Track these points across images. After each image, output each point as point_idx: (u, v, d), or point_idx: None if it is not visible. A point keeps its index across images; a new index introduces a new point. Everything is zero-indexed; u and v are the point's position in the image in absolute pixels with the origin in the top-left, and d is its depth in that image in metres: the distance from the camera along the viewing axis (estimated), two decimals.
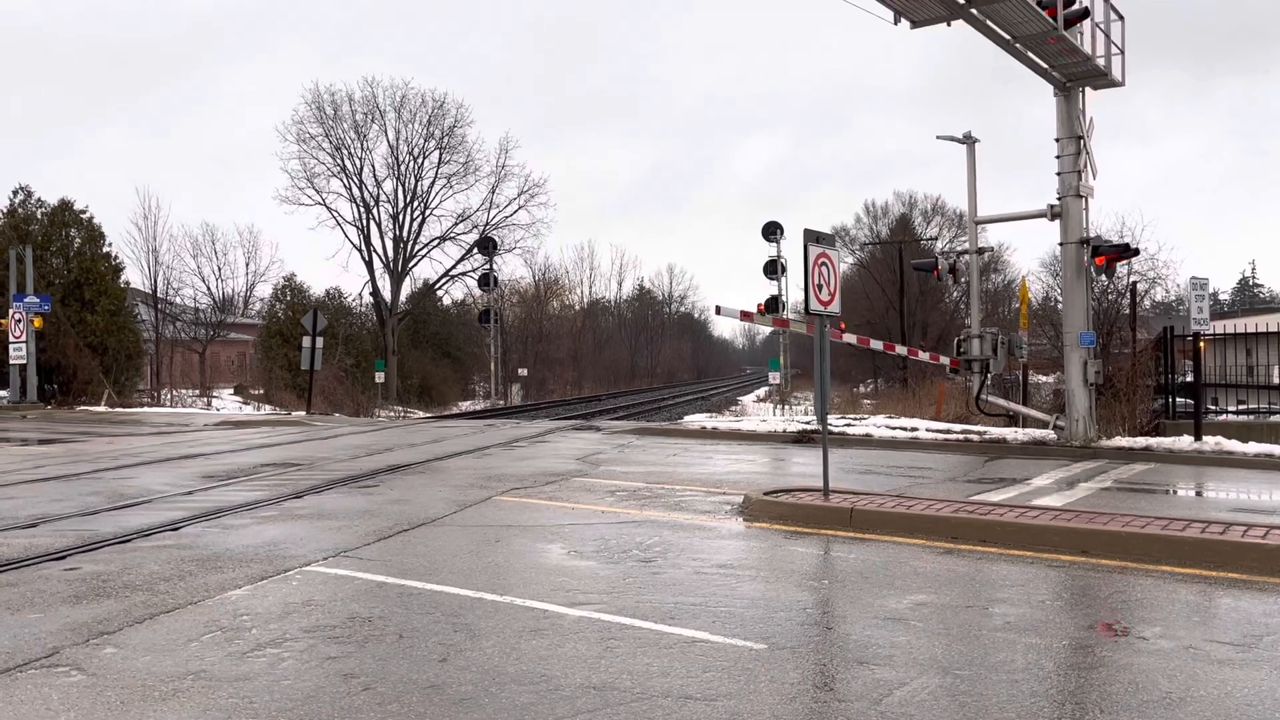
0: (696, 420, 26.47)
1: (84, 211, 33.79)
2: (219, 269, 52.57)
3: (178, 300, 47.91)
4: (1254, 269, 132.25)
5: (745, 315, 19.42)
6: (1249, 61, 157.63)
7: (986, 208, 19.33)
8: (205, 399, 37.47)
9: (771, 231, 39.91)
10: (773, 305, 40.65)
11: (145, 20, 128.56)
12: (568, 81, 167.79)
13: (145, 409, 30.05)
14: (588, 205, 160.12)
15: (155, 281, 44.59)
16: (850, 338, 19.70)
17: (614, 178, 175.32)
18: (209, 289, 51.99)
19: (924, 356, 20.26)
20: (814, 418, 23.35)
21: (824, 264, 10.19)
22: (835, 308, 10.36)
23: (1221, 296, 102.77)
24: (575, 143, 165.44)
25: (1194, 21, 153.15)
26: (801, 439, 18.34)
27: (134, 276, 41.25)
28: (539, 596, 6.38)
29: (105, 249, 34.23)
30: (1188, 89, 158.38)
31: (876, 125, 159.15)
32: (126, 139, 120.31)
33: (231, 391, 43.31)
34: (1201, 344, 19.22)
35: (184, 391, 38.41)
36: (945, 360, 18.73)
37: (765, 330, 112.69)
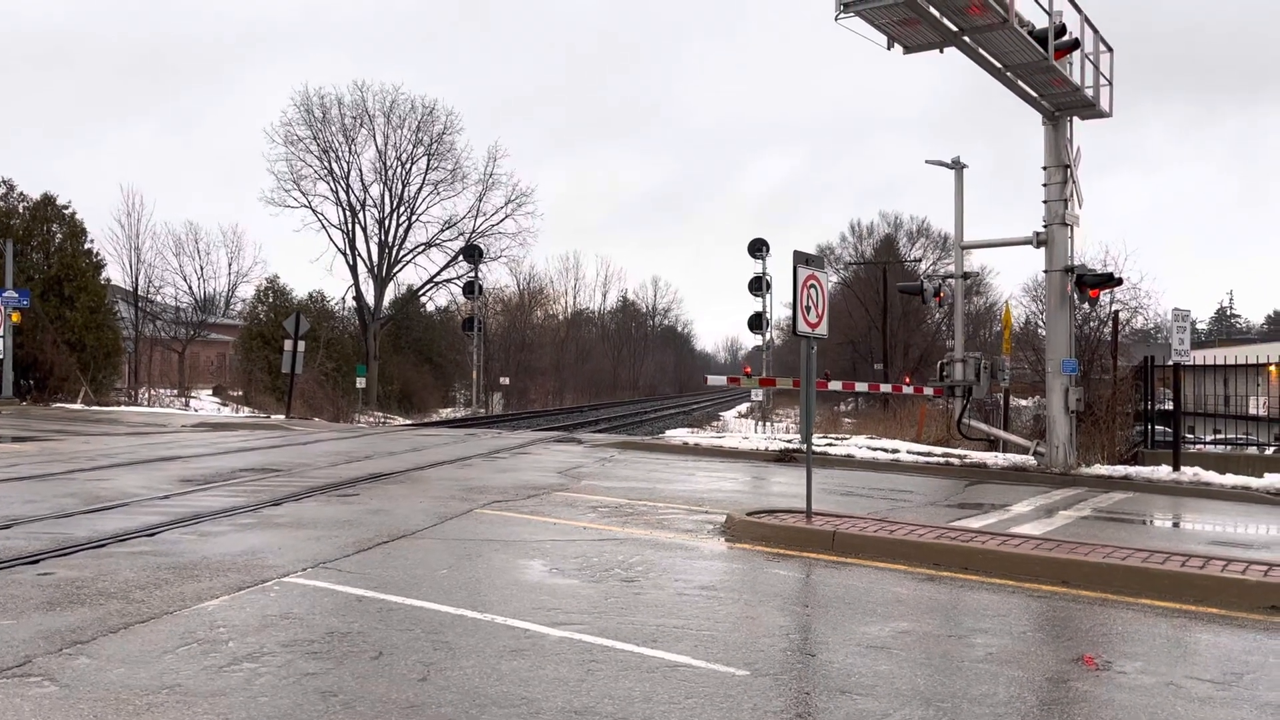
0: (679, 435, 26.47)
1: (66, 207, 33.54)
2: (201, 268, 52.11)
3: (159, 299, 47.52)
4: (1232, 299, 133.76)
5: (733, 380, 20.82)
6: (1249, 99, 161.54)
7: (984, 231, 19.54)
8: (183, 399, 37.17)
9: (757, 248, 39.82)
10: (756, 322, 40.63)
11: (180, 23, 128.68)
12: (584, 97, 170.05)
13: (122, 408, 29.77)
14: (588, 218, 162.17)
15: (136, 279, 44.21)
16: (836, 385, 19.91)
17: (619, 193, 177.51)
18: (190, 288, 51.58)
19: (908, 390, 20.37)
20: (796, 436, 23.35)
21: (813, 286, 10.21)
22: (823, 329, 10.38)
23: (1200, 325, 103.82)
24: (587, 157, 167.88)
25: (1198, 59, 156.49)
26: (783, 458, 18.34)
27: (115, 273, 40.90)
28: (520, 615, 6.33)
29: (87, 245, 33.95)
30: (1190, 123, 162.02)
31: (889, 149, 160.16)
32: (150, 140, 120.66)
33: (210, 392, 42.99)
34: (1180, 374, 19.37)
35: (162, 391, 38.10)
36: (929, 390, 18.83)
37: (748, 345, 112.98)
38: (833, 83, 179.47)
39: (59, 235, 33.27)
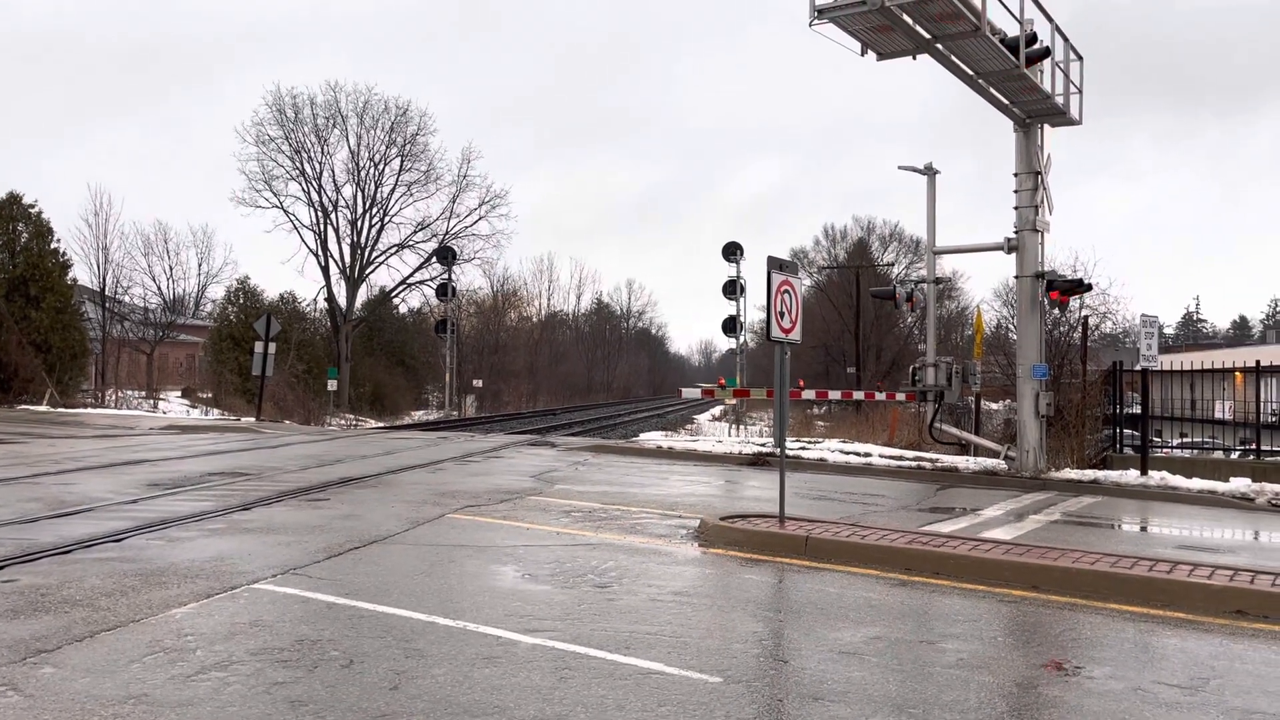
0: (652, 439, 26.46)
1: (32, 206, 33.06)
2: (170, 268, 51.74)
3: (127, 299, 46.97)
4: (1198, 304, 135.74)
5: (707, 392, 20.93)
6: (1225, 110, 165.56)
7: (968, 237, 19.76)
8: (152, 401, 36.77)
9: (731, 252, 40.02)
10: (730, 325, 40.77)
11: (178, 23, 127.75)
12: (579, 100, 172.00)
13: (89, 410, 29.40)
14: (575, 221, 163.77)
15: (104, 279, 43.65)
16: (809, 394, 20.03)
17: (608, 196, 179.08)
18: (159, 289, 51.13)
19: (881, 397, 20.52)
20: (769, 439, 23.44)
21: (786, 292, 10.24)
22: (796, 335, 10.41)
23: (1167, 330, 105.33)
24: (579, 160, 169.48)
25: (1179, 72, 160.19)
26: (757, 461, 18.39)
27: (82, 274, 40.37)
28: (492, 622, 6.31)
29: (53, 245, 33.50)
30: (1168, 133, 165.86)
31: (880, 154, 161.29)
32: (140, 141, 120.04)
33: (179, 394, 42.53)
34: (1148, 379, 19.59)
35: (130, 393, 37.66)
36: (901, 395, 18.96)
37: (722, 349, 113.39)
38: (827, 87, 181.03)
39: (24, 234, 32.79)
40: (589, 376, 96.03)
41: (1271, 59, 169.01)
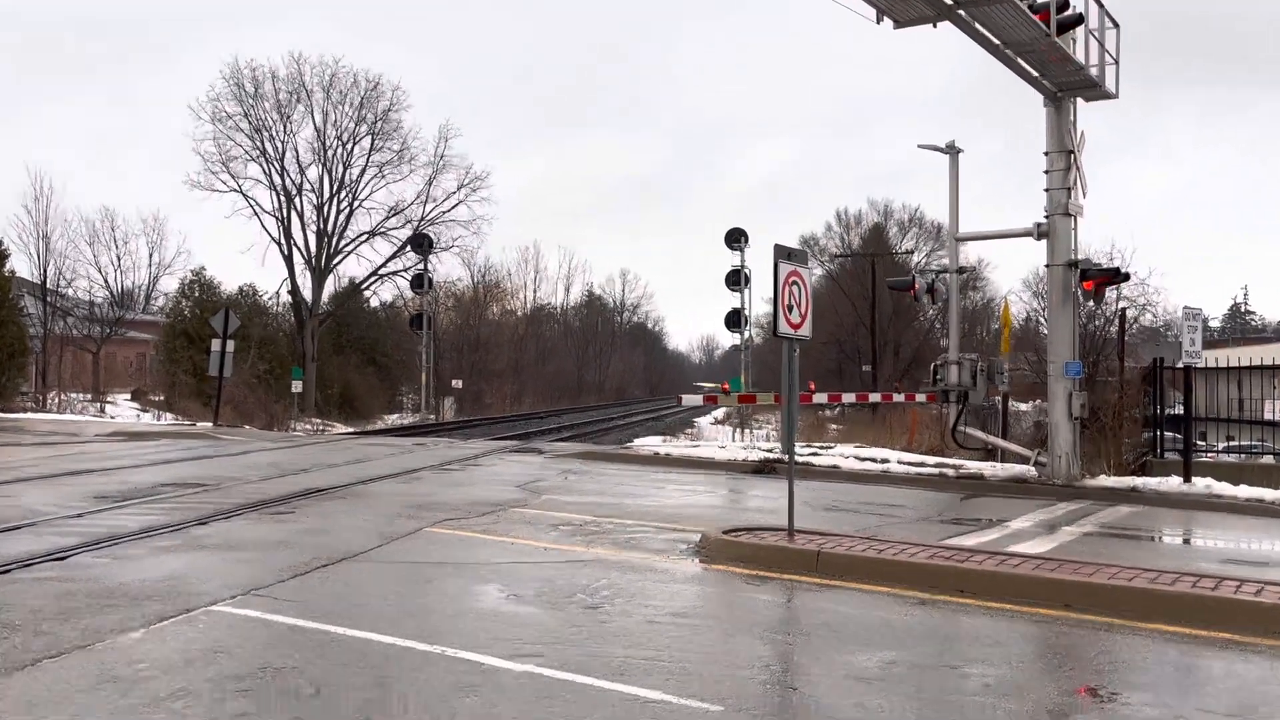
0: (649, 445, 26.51)
1: None
2: (118, 259, 51.83)
3: (70, 293, 46.94)
4: (1246, 295, 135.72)
5: (709, 398, 21.17)
6: (1274, 85, 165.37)
7: (995, 223, 19.77)
8: (98, 405, 36.75)
9: (735, 239, 39.97)
10: (734, 319, 40.78)
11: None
12: (577, 81, 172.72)
13: (28, 415, 29.37)
14: (567, 207, 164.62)
15: (45, 271, 43.69)
16: (821, 397, 20.07)
17: (600, 181, 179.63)
18: (106, 281, 51.20)
19: (899, 398, 20.57)
20: (776, 444, 23.49)
21: (795, 283, 10.26)
22: (806, 331, 10.43)
23: (1212, 323, 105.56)
24: (565, 145, 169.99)
25: (1221, 45, 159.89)
26: (763, 469, 18.43)
27: (21, 265, 40.40)
28: (473, 646, 6.32)
29: None
30: (1210, 110, 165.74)
31: (898, 133, 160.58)
32: (86, 120, 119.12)
33: (128, 397, 42.49)
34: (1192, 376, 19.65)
35: (74, 396, 37.63)
36: (922, 396, 19.00)
37: (725, 345, 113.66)
38: (841, 63, 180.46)
39: None
40: (579, 376, 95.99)
41: None
